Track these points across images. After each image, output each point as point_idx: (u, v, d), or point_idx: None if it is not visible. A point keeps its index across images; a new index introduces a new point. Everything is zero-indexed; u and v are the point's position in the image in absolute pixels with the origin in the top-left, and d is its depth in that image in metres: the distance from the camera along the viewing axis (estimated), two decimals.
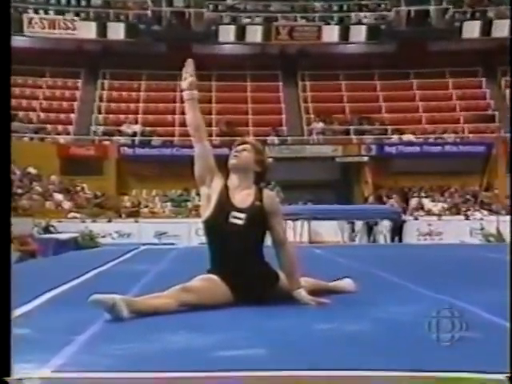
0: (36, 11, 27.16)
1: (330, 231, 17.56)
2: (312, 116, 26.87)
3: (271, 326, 3.04)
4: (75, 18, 27.29)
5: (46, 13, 27.30)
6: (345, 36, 27.97)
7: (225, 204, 3.59)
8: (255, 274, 3.58)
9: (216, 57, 27.76)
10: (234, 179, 3.71)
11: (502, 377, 2.09)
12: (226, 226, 3.57)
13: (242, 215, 3.58)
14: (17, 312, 3.30)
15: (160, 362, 2.37)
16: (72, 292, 4.65)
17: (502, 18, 26.46)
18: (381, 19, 28.23)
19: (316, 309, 3.56)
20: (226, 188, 3.66)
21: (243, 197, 3.64)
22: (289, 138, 25.80)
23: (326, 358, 2.36)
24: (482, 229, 18.40)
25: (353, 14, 28.41)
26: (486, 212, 21.45)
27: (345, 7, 28.77)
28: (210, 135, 25.71)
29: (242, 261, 3.56)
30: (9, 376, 2.17)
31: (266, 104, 27.15)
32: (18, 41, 24.27)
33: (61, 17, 27.12)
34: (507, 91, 26.38)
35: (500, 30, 26.18)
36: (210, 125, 26.23)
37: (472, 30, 27.10)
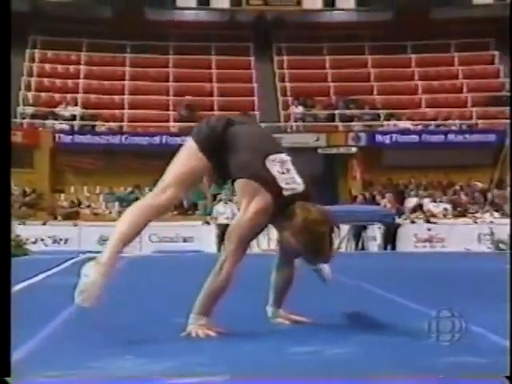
0: None
1: None
2: (290, 98, 26.95)
3: (236, 349, 3.06)
4: None
5: None
6: (330, 2, 28.07)
7: None
8: None
9: (174, 25, 27.68)
10: None
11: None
12: None
13: None
14: None
15: None
16: None
17: None
18: None
19: (291, 328, 3.59)
20: None
21: None
22: (262, 124, 25.80)
23: None
24: (491, 234, 18.63)
25: None
26: (496, 214, 21.71)
27: None
28: (167, 121, 25.67)
29: None
30: (9, 376, 2.36)
31: (235, 83, 27.16)
32: None
33: None
34: None
35: None
36: (166, 108, 26.17)
37: None
